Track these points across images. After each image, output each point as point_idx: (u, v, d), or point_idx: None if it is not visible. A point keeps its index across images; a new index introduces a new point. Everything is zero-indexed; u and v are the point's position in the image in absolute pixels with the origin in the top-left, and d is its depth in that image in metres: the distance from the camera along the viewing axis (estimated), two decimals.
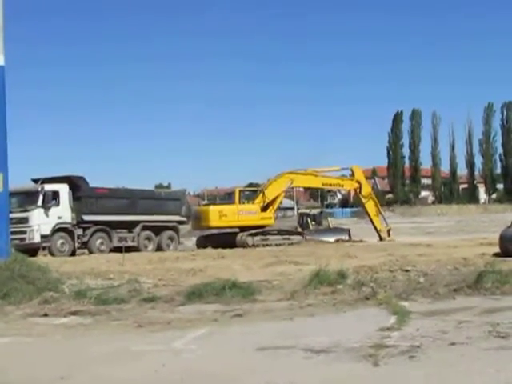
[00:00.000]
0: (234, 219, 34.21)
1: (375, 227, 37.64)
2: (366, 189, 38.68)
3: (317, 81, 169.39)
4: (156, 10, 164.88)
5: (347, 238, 36.82)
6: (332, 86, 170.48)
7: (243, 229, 34.09)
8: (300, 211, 43.40)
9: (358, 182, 38.02)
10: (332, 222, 44.99)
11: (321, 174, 38.11)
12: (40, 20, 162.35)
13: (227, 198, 37.91)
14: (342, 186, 40.63)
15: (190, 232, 41.05)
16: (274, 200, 35.65)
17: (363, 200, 38.26)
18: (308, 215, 41.51)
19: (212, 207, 35.56)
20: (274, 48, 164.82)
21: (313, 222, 39.72)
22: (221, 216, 34.04)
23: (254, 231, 34.06)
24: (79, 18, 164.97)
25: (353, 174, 38.27)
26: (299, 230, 37.71)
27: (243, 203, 35.46)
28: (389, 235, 36.91)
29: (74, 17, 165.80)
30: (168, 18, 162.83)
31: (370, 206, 38.15)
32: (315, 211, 45.02)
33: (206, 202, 59.40)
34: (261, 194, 35.51)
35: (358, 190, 38.29)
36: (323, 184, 39.92)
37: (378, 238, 36.55)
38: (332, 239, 35.98)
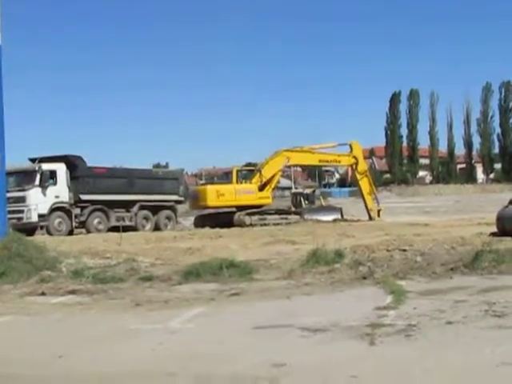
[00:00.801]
0: (231, 199, 34.19)
1: (366, 206, 37.66)
2: (362, 166, 38.63)
3: (314, 61, 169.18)
4: None
5: (339, 216, 36.94)
6: (329, 65, 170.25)
7: (241, 208, 34.09)
8: (293, 191, 43.51)
9: (355, 157, 37.89)
10: (329, 201, 45.20)
11: (317, 150, 38.14)
12: (40, 2, 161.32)
13: (225, 177, 37.99)
14: (339, 161, 40.48)
15: (187, 212, 41.08)
16: (271, 179, 35.60)
17: (358, 176, 38.25)
18: (301, 194, 41.77)
19: (209, 187, 35.55)
20: (270, 29, 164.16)
21: (306, 202, 39.92)
22: (218, 195, 34.01)
23: (251, 211, 34.05)
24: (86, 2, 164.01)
25: (351, 150, 38.13)
26: (293, 209, 37.77)
27: (241, 183, 35.48)
28: (378, 215, 36.89)
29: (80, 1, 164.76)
30: (167, 3, 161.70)
31: (364, 184, 38.16)
32: (308, 191, 45.18)
33: (203, 181, 59.37)
34: (258, 174, 35.47)
35: (354, 166, 38.25)
36: (320, 161, 39.83)
37: (367, 217, 36.71)
38: (324, 218, 36.04)
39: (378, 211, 37.42)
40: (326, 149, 38.77)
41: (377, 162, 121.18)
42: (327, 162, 40.65)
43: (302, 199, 40.28)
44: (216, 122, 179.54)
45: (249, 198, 34.59)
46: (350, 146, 38.14)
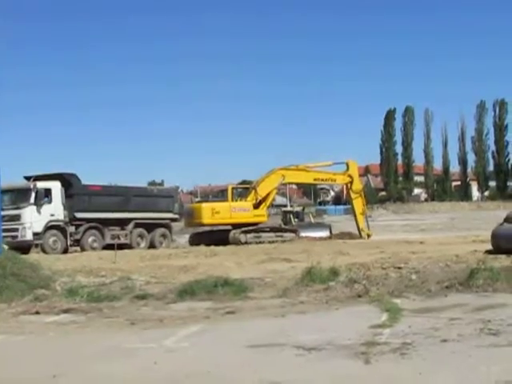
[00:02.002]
0: (226, 216, 34.20)
1: (357, 225, 37.69)
2: (357, 185, 38.68)
3: (310, 78, 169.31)
4: (151, 11, 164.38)
5: (328, 233, 37.07)
6: (325, 83, 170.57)
7: (236, 226, 34.10)
8: (283, 209, 43.96)
9: (351, 176, 37.93)
10: (325, 218, 45.49)
11: (313, 169, 38.20)
12: (29, 20, 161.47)
13: (220, 195, 38.03)
14: (335, 180, 40.57)
15: (182, 229, 41.07)
16: (266, 197, 35.67)
17: (352, 195, 38.31)
18: (291, 212, 42.14)
19: (204, 204, 35.54)
20: (269, 46, 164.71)
21: (296, 219, 40.15)
22: (213, 213, 34.01)
23: (246, 228, 34.06)
24: (69, 18, 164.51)
25: (347, 168, 38.20)
26: (283, 226, 37.90)
27: (236, 201, 35.50)
28: (368, 238, 36.74)
29: (63, 17, 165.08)
30: (163, 19, 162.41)
31: (358, 203, 38.23)
32: (298, 208, 45.68)
33: (198, 199, 59.35)
34: (253, 191, 35.52)
35: (349, 185, 38.31)
36: (315, 179, 40.00)
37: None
38: (313, 234, 36.24)
39: (368, 236, 37.15)
40: (323, 167, 38.88)
41: (372, 179, 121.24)
42: (322, 180, 40.74)
43: (291, 217, 40.55)
44: (212, 139, 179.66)
45: (244, 215, 34.61)
46: (347, 165, 38.21)
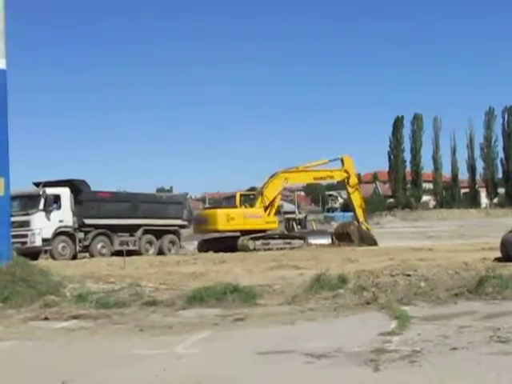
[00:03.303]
0: (240, 223, 34.40)
1: (357, 219, 38.04)
2: (354, 179, 38.96)
3: (319, 84, 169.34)
4: (157, 13, 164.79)
5: (329, 241, 37.29)
6: (333, 89, 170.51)
7: (245, 233, 34.14)
8: (286, 216, 44.23)
9: (347, 171, 38.16)
10: (333, 225, 45.53)
11: (311, 168, 38.47)
12: (40, 23, 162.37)
13: (226, 202, 38.20)
14: (333, 177, 40.79)
15: (191, 236, 41.09)
16: (272, 202, 35.86)
17: (350, 190, 38.61)
18: (294, 219, 42.31)
19: (220, 210, 35.58)
20: (275, 50, 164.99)
21: (298, 226, 40.32)
22: (228, 219, 34.23)
23: (255, 235, 34.13)
24: (79, 21, 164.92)
25: (343, 164, 38.53)
26: (285, 233, 38.07)
27: (245, 207, 35.62)
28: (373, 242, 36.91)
29: (74, 20, 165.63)
30: (169, 21, 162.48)
31: (356, 197, 38.56)
32: (300, 216, 45.88)
33: (207, 205, 59.48)
34: (260, 197, 35.66)
35: (346, 181, 38.51)
36: (315, 178, 40.47)
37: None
38: (315, 241, 36.56)
39: (367, 229, 37.98)
40: (320, 166, 39.21)
41: (380, 186, 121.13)
42: (321, 178, 41.16)
43: (294, 224, 40.71)
44: (220, 146, 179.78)
45: (256, 222, 34.89)
46: (342, 161, 38.53)
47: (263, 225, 35.27)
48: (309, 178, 40.54)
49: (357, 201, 38.45)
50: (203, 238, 37.32)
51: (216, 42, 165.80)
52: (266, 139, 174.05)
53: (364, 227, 37.45)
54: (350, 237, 36.84)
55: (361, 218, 37.92)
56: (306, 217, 46.26)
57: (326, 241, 37.36)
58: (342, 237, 37.07)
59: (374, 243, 35.70)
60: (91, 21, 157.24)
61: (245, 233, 34.14)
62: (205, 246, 34.83)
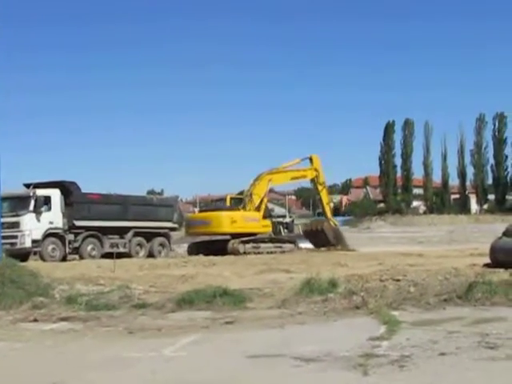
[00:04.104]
0: (242, 225, 34.68)
1: (326, 215, 39.08)
2: (322, 177, 39.68)
3: (310, 87, 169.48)
4: (154, 15, 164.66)
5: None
6: (324, 93, 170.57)
7: (242, 236, 34.21)
8: (273, 219, 44.59)
9: (316, 170, 38.80)
10: None
11: (288, 168, 38.96)
12: (34, 25, 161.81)
13: (214, 205, 38.43)
14: (306, 176, 41.03)
15: (181, 239, 41.06)
16: (260, 204, 36.13)
17: (319, 188, 39.42)
18: (281, 223, 42.51)
19: (224, 213, 35.66)
20: (265, 53, 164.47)
21: (285, 230, 40.52)
22: (232, 222, 34.41)
23: (247, 238, 34.20)
24: (75, 23, 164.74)
25: (312, 163, 38.92)
26: (273, 236, 38.32)
27: (237, 210, 35.75)
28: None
29: (69, 22, 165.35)
30: (164, 23, 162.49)
31: (324, 195, 39.55)
32: (287, 220, 46.08)
33: (197, 208, 59.50)
34: (250, 200, 35.77)
35: (316, 179, 39.10)
36: (291, 178, 40.72)
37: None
38: (300, 245, 37.24)
39: (335, 224, 39.48)
40: (294, 166, 39.74)
41: (371, 191, 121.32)
42: (297, 178, 41.49)
43: (281, 228, 40.88)
44: (211, 149, 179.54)
45: (254, 225, 35.38)
46: (311, 160, 38.96)
47: (260, 228, 35.70)
48: (287, 178, 40.77)
49: (325, 198, 39.67)
50: (193, 240, 37.31)
51: (210, 45, 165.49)
52: (257, 142, 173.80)
53: (332, 223, 38.58)
54: (324, 235, 37.42)
55: (329, 214, 39.13)
56: (293, 221, 46.54)
57: (311, 245, 37.81)
58: (314, 234, 37.59)
59: (346, 244, 36.80)
60: (91, 23, 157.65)
61: (242, 236, 34.22)
62: (195, 249, 34.81)
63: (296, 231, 42.76)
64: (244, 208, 35.70)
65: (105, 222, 31.78)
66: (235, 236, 34.07)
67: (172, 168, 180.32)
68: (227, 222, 34.27)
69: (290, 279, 17.02)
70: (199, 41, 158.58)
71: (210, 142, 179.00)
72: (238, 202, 37.38)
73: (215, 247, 33.87)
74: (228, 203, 36.11)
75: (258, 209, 35.91)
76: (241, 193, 40.67)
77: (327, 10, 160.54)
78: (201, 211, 38.92)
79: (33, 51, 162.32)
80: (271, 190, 44.25)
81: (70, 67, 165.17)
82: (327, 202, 39.96)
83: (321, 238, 37.24)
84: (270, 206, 42.31)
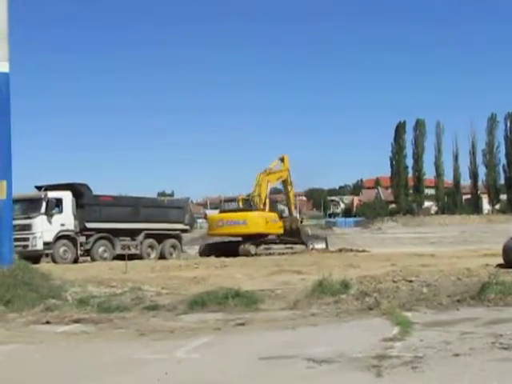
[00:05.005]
0: (269, 226, 35.62)
1: (291, 213, 40.14)
2: (290, 177, 40.44)
3: (321, 89, 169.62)
4: (160, 19, 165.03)
5: (324, 246, 37.80)
6: (336, 94, 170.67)
7: (246, 237, 34.26)
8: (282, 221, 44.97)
9: (288, 169, 39.61)
10: (335, 230, 45.79)
11: (273, 170, 39.36)
12: (44, 27, 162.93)
13: (227, 205, 38.68)
14: (282, 176, 41.38)
15: (192, 240, 41.12)
16: (265, 205, 36.59)
17: (289, 188, 40.36)
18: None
19: (259, 213, 36.05)
20: (272, 55, 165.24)
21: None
22: (266, 222, 35.61)
23: (258, 240, 34.43)
24: (84, 26, 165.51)
25: (283, 163, 39.43)
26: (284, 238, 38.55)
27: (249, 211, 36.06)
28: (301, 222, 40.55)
29: (78, 25, 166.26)
30: (171, 27, 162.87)
31: (292, 195, 40.93)
32: None
33: (208, 210, 59.61)
34: (260, 201, 36.07)
35: (287, 179, 39.88)
36: (277, 179, 41.07)
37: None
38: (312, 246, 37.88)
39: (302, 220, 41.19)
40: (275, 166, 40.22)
41: (382, 191, 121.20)
42: (279, 178, 41.67)
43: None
44: (222, 150, 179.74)
45: (275, 226, 35.91)
46: (282, 159, 39.53)
47: (278, 229, 36.53)
48: (275, 179, 41.05)
49: (293, 197, 41.21)
50: (206, 242, 37.51)
51: (216, 48, 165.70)
52: (269, 145, 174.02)
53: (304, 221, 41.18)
54: (298, 232, 37.70)
55: (294, 212, 40.36)
56: (301, 221, 46.72)
57: (321, 246, 37.86)
58: (287, 232, 37.74)
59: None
60: (99, 24, 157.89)
61: (246, 238, 34.31)
62: (207, 251, 34.93)
63: (305, 232, 42.98)
64: (258, 209, 35.98)
65: (116, 223, 31.88)
66: (263, 236, 34.78)
67: (183, 170, 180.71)
68: (263, 222, 34.90)
69: (301, 280, 16.99)
70: (210, 45, 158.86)
71: (220, 145, 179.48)
72: (247, 203, 37.62)
73: (226, 249, 33.93)
74: (241, 204, 36.44)
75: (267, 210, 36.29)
76: (248, 195, 40.91)
77: (338, 11, 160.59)
78: (223, 211, 38.57)
79: (35, 52, 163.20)
80: (281, 191, 44.54)
81: (83, 70, 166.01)
82: (293, 201, 41.09)
83: (297, 237, 37.68)
84: (282, 207, 42.38)
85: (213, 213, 44.94)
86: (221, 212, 38.69)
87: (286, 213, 40.77)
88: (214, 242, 36.88)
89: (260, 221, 35.06)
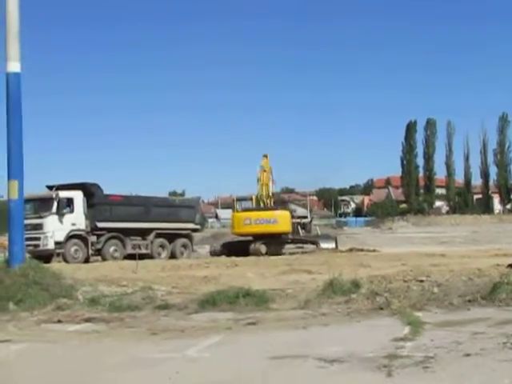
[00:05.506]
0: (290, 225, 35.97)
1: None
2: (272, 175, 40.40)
3: (331, 88, 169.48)
4: (164, 18, 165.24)
5: (333, 245, 37.75)
6: (345, 94, 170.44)
7: (257, 237, 34.35)
8: (292, 220, 45.05)
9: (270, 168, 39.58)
10: (345, 230, 45.77)
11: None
12: (53, 27, 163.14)
13: (240, 204, 38.77)
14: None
15: (202, 240, 41.19)
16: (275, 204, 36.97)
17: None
18: (299, 224, 42.65)
19: (285, 212, 36.50)
20: (283, 55, 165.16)
21: (303, 230, 40.66)
22: (290, 221, 36.15)
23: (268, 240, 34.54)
24: (93, 25, 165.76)
25: (267, 159, 39.61)
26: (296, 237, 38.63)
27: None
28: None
29: (88, 25, 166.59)
30: (175, 26, 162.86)
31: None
32: (305, 220, 46.29)
33: (219, 208, 59.64)
34: (269, 200, 36.42)
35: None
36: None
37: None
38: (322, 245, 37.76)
39: None
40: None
41: (393, 191, 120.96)
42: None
43: (299, 228, 40.97)
44: (233, 149, 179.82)
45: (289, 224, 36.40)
46: (266, 156, 39.62)
47: (289, 228, 36.81)
48: (268, 178, 41.01)
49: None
50: (217, 242, 37.65)
51: (222, 46, 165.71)
52: (279, 144, 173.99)
53: None
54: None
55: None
56: (311, 221, 46.64)
57: (330, 245, 37.86)
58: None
59: None
60: (107, 24, 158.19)
61: (256, 237, 34.40)
62: (218, 250, 35.01)
63: (314, 231, 43.05)
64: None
65: (127, 223, 31.96)
66: (285, 234, 35.19)
67: (194, 169, 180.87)
68: (288, 221, 35.27)
69: (312, 280, 16.99)
70: (222, 42, 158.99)
71: (231, 144, 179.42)
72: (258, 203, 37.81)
73: (237, 248, 33.98)
74: (255, 203, 36.77)
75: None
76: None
77: (348, 9, 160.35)
78: (246, 210, 38.18)
79: (53, 53, 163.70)
80: (292, 191, 44.59)
81: (94, 69, 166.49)
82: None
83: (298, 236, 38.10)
84: (293, 206, 42.39)
85: (224, 212, 45.19)
86: (244, 211, 38.25)
87: (298, 213, 40.77)
88: (225, 241, 36.96)
89: (288, 220, 35.56)
